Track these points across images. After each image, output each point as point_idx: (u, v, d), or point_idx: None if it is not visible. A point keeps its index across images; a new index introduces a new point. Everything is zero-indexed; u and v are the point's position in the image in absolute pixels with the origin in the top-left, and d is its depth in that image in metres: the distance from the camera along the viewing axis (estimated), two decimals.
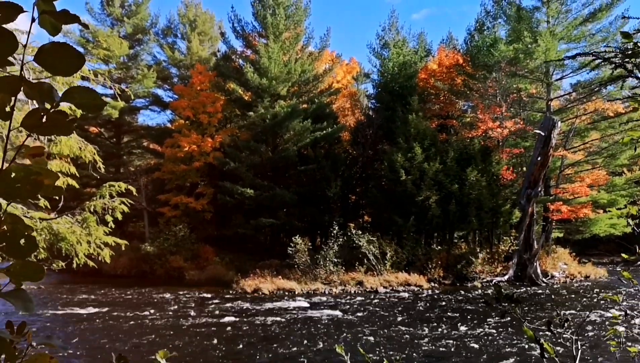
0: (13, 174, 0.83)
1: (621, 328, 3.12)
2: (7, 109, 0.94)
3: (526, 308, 19.24)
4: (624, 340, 2.92)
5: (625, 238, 36.25)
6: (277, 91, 32.57)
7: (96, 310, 19.28)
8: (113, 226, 7.26)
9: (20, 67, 0.96)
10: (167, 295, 23.13)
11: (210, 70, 35.88)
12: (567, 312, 17.67)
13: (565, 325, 2.43)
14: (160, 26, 41.18)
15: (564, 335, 2.61)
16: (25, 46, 0.97)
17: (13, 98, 0.93)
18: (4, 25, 0.92)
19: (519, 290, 24.09)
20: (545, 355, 2.54)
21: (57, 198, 8.24)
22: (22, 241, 0.84)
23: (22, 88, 0.91)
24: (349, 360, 3.26)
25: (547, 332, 2.66)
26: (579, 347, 2.46)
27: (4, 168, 0.88)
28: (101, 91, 33.10)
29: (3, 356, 1.00)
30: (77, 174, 5.45)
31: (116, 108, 34.12)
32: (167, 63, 40.96)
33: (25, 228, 0.87)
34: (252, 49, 33.74)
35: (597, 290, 23.92)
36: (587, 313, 17.13)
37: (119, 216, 7.41)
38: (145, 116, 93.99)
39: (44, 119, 0.89)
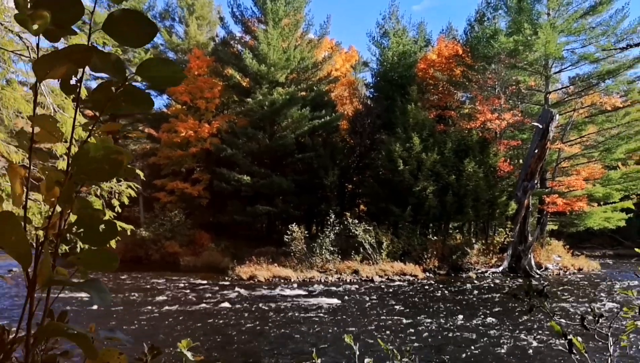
0: (91, 153, 0.76)
1: None
2: (72, 81, 0.87)
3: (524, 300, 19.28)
4: None
5: (618, 231, 36.55)
6: (276, 78, 32.36)
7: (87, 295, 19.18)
8: (120, 210, 7.17)
9: (88, 35, 0.88)
10: (162, 281, 23.07)
11: (208, 55, 35.59)
12: (563, 304, 17.78)
13: (601, 320, 2.37)
14: (157, 9, 40.73)
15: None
16: (92, 13, 0.89)
17: (81, 70, 0.85)
18: None
19: (513, 282, 24.21)
20: (574, 351, 2.48)
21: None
22: (102, 227, 0.77)
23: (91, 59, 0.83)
24: (344, 348, 3.23)
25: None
26: (612, 343, 2.41)
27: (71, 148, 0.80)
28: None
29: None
30: None
31: None
32: (164, 47, 40.53)
33: (98, 211, 0.79)
34: (251, 35, 33.48)
35: (591, 282, 24.07)
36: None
37: (126, 201, 7.31)
38: None
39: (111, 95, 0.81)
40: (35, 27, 0.82)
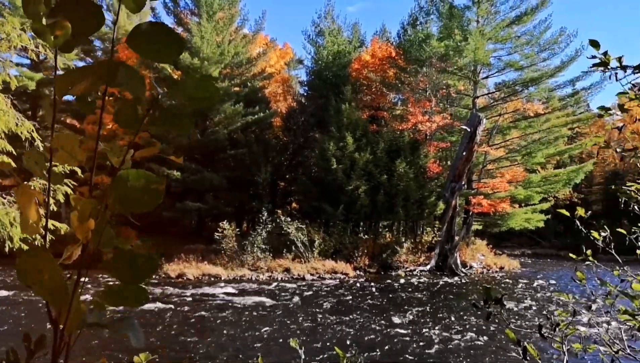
0: (130, 182, 0.69)
1: (583, 328, 3.20)
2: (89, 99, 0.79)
3: (449, 297, 19.96)
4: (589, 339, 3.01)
5: (536, 232, 38.59)
6: (209, 72, 31.64)
7: (8, 292, 18.15)
8: (56, 209, 6.76)
9: (111, 48, 0.80)
10: (83, 279, 22.08)
11: None
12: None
13: (556, 329, 2.47)
14: None
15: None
16: (115, 24, 0.81)
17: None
18: None
19: (440, 280, 24.99)
20: (527, 358, 2.56)
21: None
22: (142, 261, 0.70)
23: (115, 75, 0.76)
24: (279, 348, 3.21)
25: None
26: (565, 351, 2.50)
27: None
28: (16, 60, 31.09)
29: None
30: (15, 152, 4.86)
31: (33, 79, 32.08)
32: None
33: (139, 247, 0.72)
34: (184, 27, 32.58)
35: (513, 280, 25.26)
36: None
37: (61, 198, 6.93)
38: None
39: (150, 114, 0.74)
40: (53, 38, 0.73)
